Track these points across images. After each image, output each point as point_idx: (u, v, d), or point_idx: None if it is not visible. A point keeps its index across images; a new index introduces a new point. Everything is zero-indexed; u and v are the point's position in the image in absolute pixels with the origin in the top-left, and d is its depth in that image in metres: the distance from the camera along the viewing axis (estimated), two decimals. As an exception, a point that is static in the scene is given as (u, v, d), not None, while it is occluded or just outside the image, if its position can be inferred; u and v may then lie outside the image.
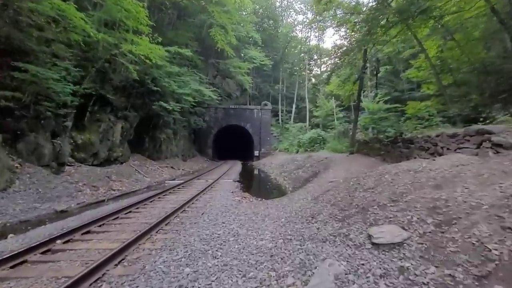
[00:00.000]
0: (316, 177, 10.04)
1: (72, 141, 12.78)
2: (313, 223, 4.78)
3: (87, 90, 12.97)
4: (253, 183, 15.58)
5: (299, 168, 14.88)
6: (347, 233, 3.97)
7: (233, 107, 36.07)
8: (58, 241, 5.00)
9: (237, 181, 14.86)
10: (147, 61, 14.01)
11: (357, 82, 14.75)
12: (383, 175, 5.55)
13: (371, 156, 11.40)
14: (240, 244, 4.51)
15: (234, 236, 5.00)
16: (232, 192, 10.49)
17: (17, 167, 9.68)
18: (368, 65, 13.88)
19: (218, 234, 5.12)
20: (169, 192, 10.76)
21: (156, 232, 5.56)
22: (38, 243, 4.78)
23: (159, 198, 9.59)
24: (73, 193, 10.13)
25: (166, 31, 21.47)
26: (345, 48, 13.82)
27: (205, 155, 33.04)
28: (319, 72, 48.00)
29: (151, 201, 8.99)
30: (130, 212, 7.50)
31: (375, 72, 13.68)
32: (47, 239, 4.97)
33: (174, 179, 16.19)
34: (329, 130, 26.28)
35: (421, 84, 22.01)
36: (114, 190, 12.00)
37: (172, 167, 19.99)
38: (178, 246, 4.59)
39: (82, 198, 10.11)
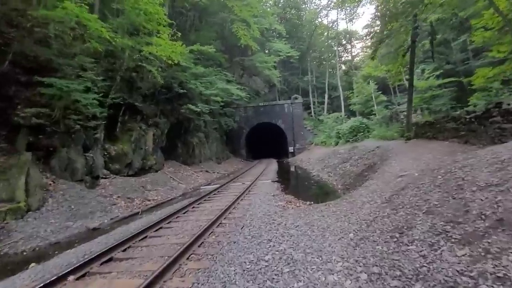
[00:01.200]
0: (374, 171, 8.23)
1: (105, 153, 12.38)
2: (407, 244, 3.17)
3: (115, 100, 12.49)
4: (294, 183, 14.03)
5: (345, 161, 12.99)
6: (495, 272, 2.26)
7: (262, 104, 34.72)
8: (71, 278, 3.99)
9: (276, 181, 13.43)
10: (170, 61, 13.13)
11: (407, 55, 12.42)
12: (498, 163, 3.72)
13: (441, 140, 9.14)
14: (300, 281, 3.08)
15: (289, 264, 3.58)
16: (273, 195, 9.09)
17: (50, 184, 9.29)
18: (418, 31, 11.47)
19: (266, 261, 3.74)
20: (204, 200, 9.68)
21: (187, 258, 4.35)
22: (48, 281, 3.83)
23: (193, 208, 8.52)
24: (107, 207, 9.51)
25: (188, 34, 20.77)
26: (389, 14, 11.57)
27: (239, 156, 32.17)
28: (349, 58, 44.63)
29: (184, 213, 7.94)
30: (160, 228, 6.46)
31: (430, 40, 11.27)
32: (60, 274, 4.01)
33: (209, 184, 15.27)
34: (369, 117, 23.65)
35: (483, 51, 18.66)
36: (149, 200, 11.30)
37: (206, 171, 19.22)
38: (214, 284, 3.28)
39: (117, 212, 9.45)
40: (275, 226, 5.41)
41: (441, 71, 19.97)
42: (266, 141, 41.31)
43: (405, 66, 13.17)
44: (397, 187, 5.34)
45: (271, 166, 22.92)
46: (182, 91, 16.16)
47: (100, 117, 11.55)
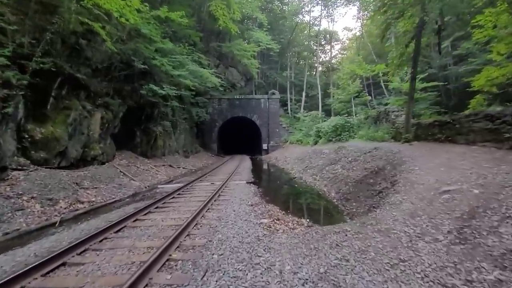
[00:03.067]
0: (390, 181, 6.15)
1: (25, 136, 9.00)
2: None
3: (44, 66, 9.14)
4: (274, 186, 11.61)
5: (333, 163, 10.98)
6: None
7: (238, 97, 32.13)
8: None
9: (252, 182, 11.03)
10: (124, 21, 10.07)
11: (410, 44, 10.71)
12: None
13: (463, 143, 7.36)
14: None
15: None
16: (252, 204, 6.65)
17: None
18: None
19: None
20: (157, 207, 6.95)
21: None
22: None
23: (135, 221, 5.78)
24: (6, 213, 6.36)
25: (156, 3, 17.39)
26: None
27: (210, 150, 29.29)
28: (328, 58, 43.64)
29: (119, 230, 5.18)
30: (62, 265, 3.69)
31: (436, 31, 9.65)
32: None
33: (170, 182, 12.42)
34: (347, 117, 22.24)
35: (466, 58, 17.90)
36: (82, 202, 8.24)
37: (170, 166, 16.23)
38: None
39: (21, 221, 6.35)
40: (263, 276, 2.97)
41: (425, 74, 19.03)
42: (239, 137, 38.89)
43: (406, 56, 11.47)
44: (457, 211, 3.31)
45: (245, 163, 20.48)
46: (143, 66, 13.00)
47: (16, 85, 8.23)
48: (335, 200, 7.60)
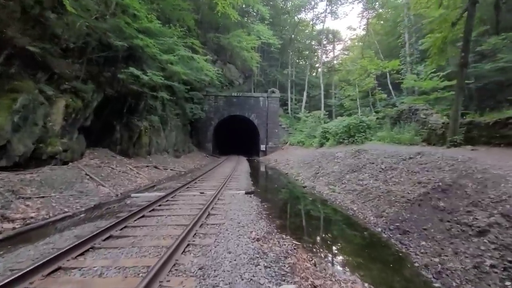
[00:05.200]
0: (490, 210, 3.77)
1: None
2: None
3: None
4: (281, 199, 8.98)
5: (355, 170, 8.54)
6: None
7: (236, 95, 29.69)
8: None
9: (252, 192, 8.55)
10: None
11: (460, 22, 8.36)
12: None
13: None
14: None
15: None
16: (258, 239, 4.17)
17: None
18: None
19: None
20: (111, 237, 4.43)
21: None
22: None
23: (56, 274, 3.22)
24: None
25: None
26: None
27: (204, 150, 26.72)
28: (329, 59, 41.42)
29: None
30: None
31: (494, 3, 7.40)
32: None
33: (151, 188, 9.86)
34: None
35: (489, 55, 15.77)
36: (11, 220, 5.67)
37: (155, 167, 13.65)
38: None
39: None
40: None
41: (446, 72, 16.81)
42: (236, 136, 36.42)
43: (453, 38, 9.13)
44: None
45: (242, 166, 17.97)
46: (121, 44, 10.45)
47: None
48: (379, 229, 5.16)
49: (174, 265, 3.36)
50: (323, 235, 5.80)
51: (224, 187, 9.07)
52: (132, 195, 8.21)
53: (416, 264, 3.88)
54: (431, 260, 3.77)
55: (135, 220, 5.31)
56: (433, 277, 3.50)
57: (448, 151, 6.90)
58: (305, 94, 32.68)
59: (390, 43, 26.65)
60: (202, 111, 26.44)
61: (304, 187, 10.11)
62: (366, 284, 3.31)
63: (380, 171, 7.47)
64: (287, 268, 3.31)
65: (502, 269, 2.97)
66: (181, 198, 7.62)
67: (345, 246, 5.13)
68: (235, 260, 3.47)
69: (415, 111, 11.22)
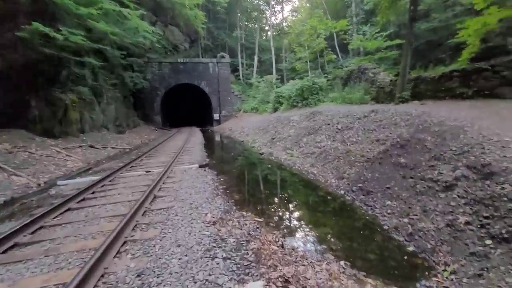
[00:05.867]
0: (454, 163, 3.54)
1: None
2: None
3: None
4: (238, 170, 8.29)
5: (311, 132, 8.27)
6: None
7: (182, 61, 26.92)
8: None
9: (206, 165, 7.78)
10: None
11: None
12: None
13: None
14: None
15: None
16: (214, 222, 3.50)
17: None
18: None
19: None
20: (13, 248, 3.30)
21: None
22: None
23: None
24: None
25: None
26: None
27: (153, 123, 24.40)
28: (278, 21, 39.90)
29: None
30: None
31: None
32: None
33: (86, 171, 8.33)
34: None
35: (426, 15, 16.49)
36: None
37: (92, 146, 11.73)
38: None
39: None
40: None
41: (388, 32, 17.27)
42: (187, 107, 34.16)
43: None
44: None
45: (195, 137, 16.81)
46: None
47: None
48: (342, 192, 4.94)
49: (102, 276, 2.53)
50: (286, 206, 5.47)
51: (174, 162, 8.08)
52: (59, 182, 6.72)
53: (386, 227, 3.75)
54: (400, 221, 3.65)
55: (55, 217, 4.17)
56: (406, 240, 3.38)
57: (399, 107, 7.00)
58: (256, 58, 31.34)
59: (336, 3, 26.39)
60: (145, 80, 23.56)
61: (261, 154, 9.70)
62: (341, 262, 3.00)
63: (337, 132, 7.34)
64: (250, 256, 2.76)
65: (478, 226, 2.90)
66: (122, 180, 6.48)
67: (311, 216, 4.85)
68: (186, 255, 2.79)
69: (364, 70, 11.28)
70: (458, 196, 3.32)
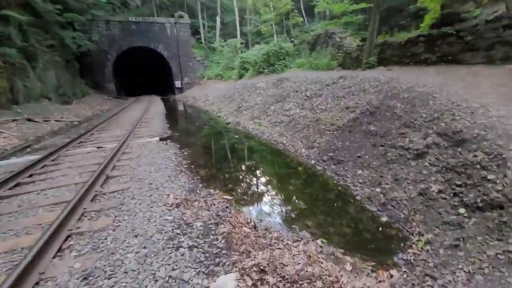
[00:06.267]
0: (425, 130, 3.34)
1: None
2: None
3: None
4: (202, 142, 7.67)
5: (279, 100, 7.85)
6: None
7: (134, 20, 23.66)
8: None
9: (168, 138, 7.07)
10: None
11: None
12: None
13: (481, 63, 5.02)
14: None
15: None
16: (177, 204, 3.06)
17: None
18: None
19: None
20: None
21: None
22: None
23: None
24: None
25: None
26: None
27: (106, 92, 21.82)
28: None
29: None
30: None
31: None
32: None
33: (23, 150, 7.08)
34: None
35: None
36: None
37: (30, 120, 10.03)
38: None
39: None
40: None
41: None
42: (145, 74, 31.13)
43: None
44: None
45: (155, 107, 15.43)
46: None
47: None
48: (313, 161, 4.77)
49: (37, 284, 2.01)
50: (256, 180, 5.20)
51: (131, 136, 7.21)
52: (-16, 166, 5.55)
53: (358, 198, 3.68)
54: (372, 191, 3.60)
55: (-25, 211, 3.34)
56: (379, 210, 3.33)
57: (366, 73, 6.86)
58: (218, 19, 28.83)
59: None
60: (91, 42, 20.40)
61: (228, 123, 9.16)
62: (318, 241, 2.84)
63: (305, 99, 7.05)
64: (220, 242, 2.43)
65: (451, 194, 2.89)
66: (67, 159, 5.56)
67: (282, 189, 4.64)
68: (144, 247, 2.36)
69: (331, 35, 10.87)
70: (430, 164, 3.32)
